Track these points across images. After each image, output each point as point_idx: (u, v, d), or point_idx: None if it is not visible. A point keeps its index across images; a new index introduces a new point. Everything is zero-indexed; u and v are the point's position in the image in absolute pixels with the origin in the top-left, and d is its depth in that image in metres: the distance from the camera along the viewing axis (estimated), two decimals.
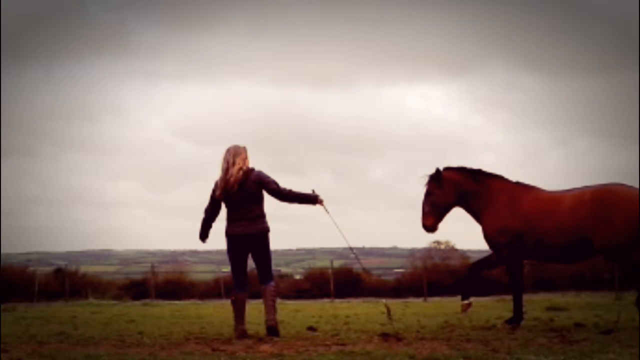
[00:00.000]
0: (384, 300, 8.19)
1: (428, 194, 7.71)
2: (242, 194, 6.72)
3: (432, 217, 7.70)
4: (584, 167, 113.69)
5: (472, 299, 7.65)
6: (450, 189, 7.67)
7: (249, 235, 6.75)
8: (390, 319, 7.87)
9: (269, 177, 6.83)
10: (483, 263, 7.79)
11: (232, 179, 6.69)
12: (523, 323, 7.53)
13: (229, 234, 6.83)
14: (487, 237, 7.65)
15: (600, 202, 7.06)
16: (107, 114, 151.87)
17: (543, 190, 7.62)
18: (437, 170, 7.72)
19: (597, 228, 7.01)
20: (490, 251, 7.80)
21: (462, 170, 7.81)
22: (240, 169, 6.73)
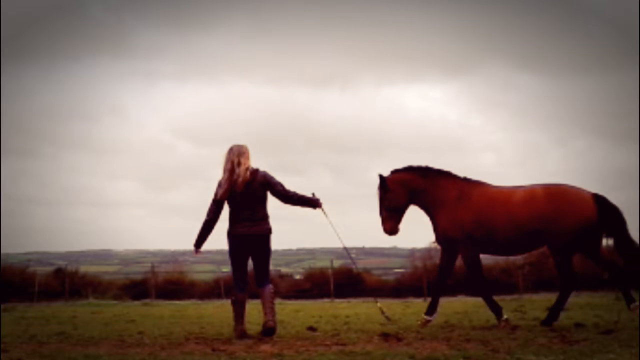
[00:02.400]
0: (378, 304, 8.19)
1: (381, 200, 7.84)
2: (247, 195, 6.69)
3: (390, 221, 7.82)
4: (584, 166, 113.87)
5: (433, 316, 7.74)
6: (401, 190, 7.80)
7: (253, 236, 6.73)
8: (387, 318, 7.90)
9: (274, 179, 6.83)
10: (443, 276, 7.87)
11: (239, 179, 6.64)
12: (505, 318, 7.60)
13: (233, 234, 6.78)
14: (441, 233, 7.76)
15: (553, 198, 7.41)
16: (106, 114, 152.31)
17: (492, 185, 7.82)
18: (380, 177, 7.84)
19: (549, 223, 7.33)
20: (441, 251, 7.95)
21: (409, 169, 7.94)
22: (247, 169, 6.70)
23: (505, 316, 7.60)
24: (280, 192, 6.85)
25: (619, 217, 7.51)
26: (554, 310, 7.59)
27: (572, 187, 7.58)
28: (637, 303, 7.47)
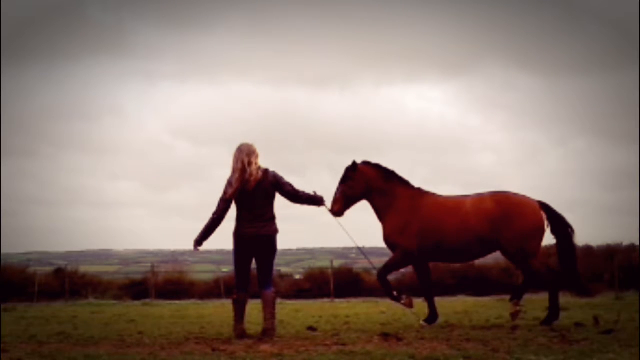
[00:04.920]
0: (394, 293, 8.21)
1: (342, 182, 7.99)
2: (258, 194, 6.67)
3: (339, 204, 7.94)
4: (584, 166, 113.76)
5: (404, 296, 7.93)
6: (361, 182, 7.96)
7: (262, 236, 6.71)
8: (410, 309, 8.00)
9: (284, 179, 6.84)
10: (388, 268, 8.02)
11: (252, 178, 6.62)
12: (440, 321, 7.94)
13: (241, 234, 6.74)
14: (386, 237, 7.97)
15: (502, 205, 7.63)
16: (106, 114, 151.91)
17: (441, 196, 8.04)
18: (354, 163, 7.98)
19: (500, 229, 7.56)
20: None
21: (377, 167, 8.08)
22: (259, 168, 6.69)
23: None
24: (290, 192, 6.87)
25: (565, 224, 7.82)
26: (552, 310, 7.67)
27: (518, 194, 7.82)
28: (519, 306, 7.85)
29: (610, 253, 23.32)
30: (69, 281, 24.42)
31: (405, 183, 8.04)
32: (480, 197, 7.81)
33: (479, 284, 22.14)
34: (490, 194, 7.80)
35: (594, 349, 5.38)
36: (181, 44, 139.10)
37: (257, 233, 6.68)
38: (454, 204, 7.85)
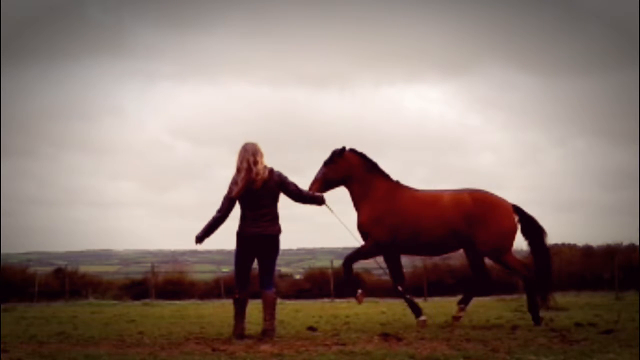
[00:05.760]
0: (399, 288, 8.22)
1: (325, 164, 8.06)
2: (263, 194, 6.66)
3: (318, 184, 7.98)
4: (584, 166, 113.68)
5: (360, 291, 7.90)
6: (343, 168, 8.03)
7: (267, 236, 6.70)
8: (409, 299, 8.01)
9: (288, 178, 6.84)
10: (356, 255, 8.04)
11: (258, 177, 6.60)
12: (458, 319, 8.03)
13: (245, 233, 6.71)
14: (360, 225, 7.98)
15: (480, 203, 7.78)
16: (106, 114, 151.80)
17: (418, 190, 8.10)
18: (343, 148, 8.06)
19: (477, 226, 7.70)
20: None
21: (362, 156, 8.15)
22: (265, 167, 6.68)
23: (359, 291, 7.87)
24: (294, 191, 6.88)
25: (537, 226, 7.98)
26: (532, 309, 7.80)
27: (494, 194, 7.95)
28: (462, 305, 8.13)
29: (610, 253, 23.32)
30: (69, 281, 24.43)
31: (385, 176, 8.10)
32: (458, 193, 7.94)
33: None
34: (468, 192, 7.92)
35: (594, 349, 5.38)
36: (181, 44, 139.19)
37: (261, 232, 6.67)
38: (431, 198, 7.95)
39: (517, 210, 7.95)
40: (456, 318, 8.14)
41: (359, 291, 7.94)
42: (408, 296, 8.09)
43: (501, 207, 7.86)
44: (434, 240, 7.87)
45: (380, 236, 7.83)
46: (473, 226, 7.72)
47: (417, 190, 8.09)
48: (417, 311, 7.99)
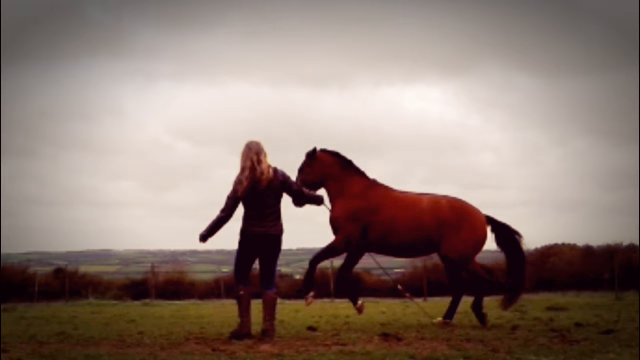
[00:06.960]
0: (399, 286, 8.24)
1: (300, 170, 8.00)
2: (268, 193, 6.66)
3: None
4: (583, 166, 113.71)
5: (312, 293, 7.73)
6: (318, 169, 7.97)
7: (271, 236, 6.69)
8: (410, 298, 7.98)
9: (291, 178, 6.87)
10: (323, 254, 7.94)
11: (263, 177, 6.59)
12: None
13: (249, 232, 6.69)
14: (333, 220, 7.88)
15: (457, 211, 7.82)
16: (106, 114, 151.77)
17: (395, 190, 8.05)
18: (314, 149, 7.98)
19: (450, 233, 7.73)
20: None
21: (335, 155, 8.08)
22: (269, 166, 6.67)
23: (360, 301, 7.99)
24: (297, 191, 6.90)
25: (512, 231, 8.06)
26: (475, 311, 7.97)
27: (470, 204, 8.00)
28: (361, 302, 8.06)
29: (610, 253, 23.32)
30: (68, 281, 24.43)
31: (361, 173, 8.03)
32: (436, 198, 7.96)
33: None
34: (447, 199, 7.95)
35: (594, 349, 5.38)
36: (180, 44, 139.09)
37: (266, 232, 6.66)
38: (409, 201, 7.91)
39: (490, 220, 8.04)
40: (441, 325, 7.99)
41: (359, 302, 7.98)
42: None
43: (475, 216, 7.91)
44: (405, 243, 7.82)
45: (351, 232, 7.72)
46: (446, 234, 7.73)
47: (393, 190, 8.03)
48: (354, 301, 8.01)
